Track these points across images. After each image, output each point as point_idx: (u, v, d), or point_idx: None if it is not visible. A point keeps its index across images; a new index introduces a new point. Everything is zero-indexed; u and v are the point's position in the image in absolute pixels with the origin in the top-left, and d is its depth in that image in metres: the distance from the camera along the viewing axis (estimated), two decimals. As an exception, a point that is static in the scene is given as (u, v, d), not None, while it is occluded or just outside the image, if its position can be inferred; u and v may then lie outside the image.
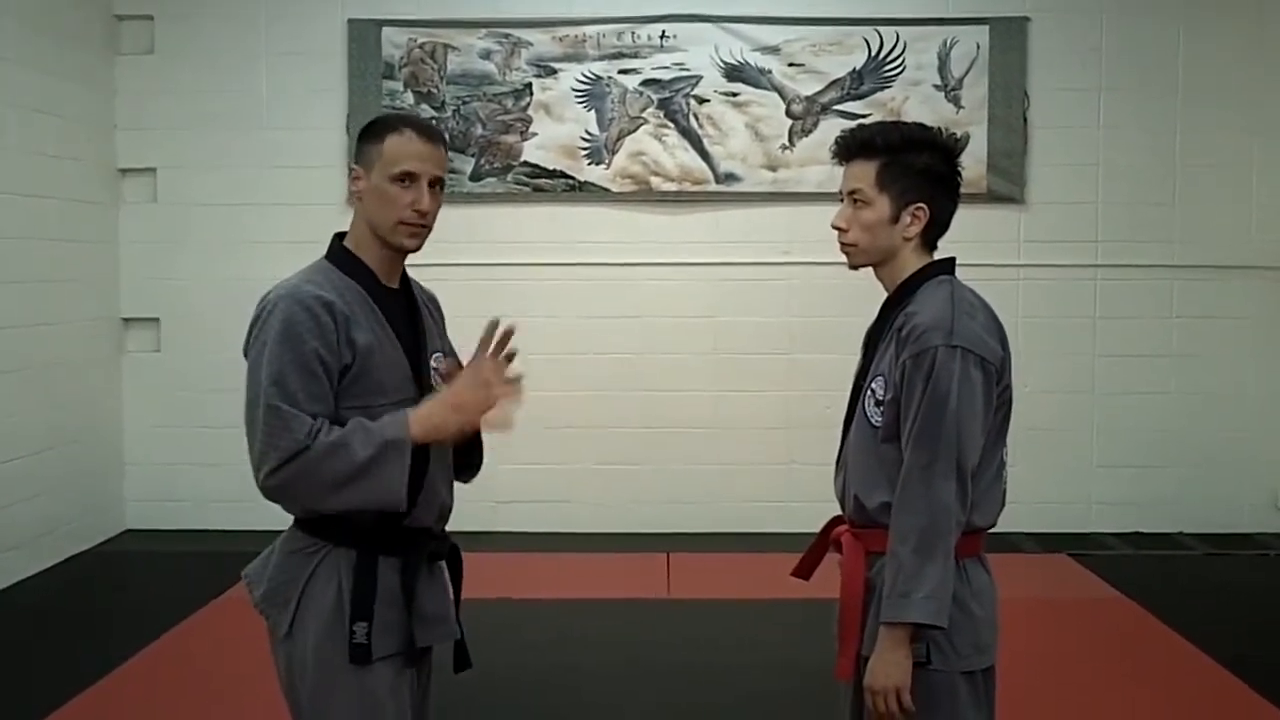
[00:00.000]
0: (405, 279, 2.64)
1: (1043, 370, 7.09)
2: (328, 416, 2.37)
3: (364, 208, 2.52)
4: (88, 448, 7.00)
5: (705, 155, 7.26)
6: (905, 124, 2.61)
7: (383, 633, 2.43)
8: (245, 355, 2.46)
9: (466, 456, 2.71)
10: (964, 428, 2.39)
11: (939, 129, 2.61)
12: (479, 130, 7.24)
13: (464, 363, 2.75)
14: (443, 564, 2.64)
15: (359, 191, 2.52)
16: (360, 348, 2.42)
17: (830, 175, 6.73)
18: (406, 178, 2.46)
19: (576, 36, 7.22)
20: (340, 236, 2.58)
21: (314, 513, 2.45)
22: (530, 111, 7.25)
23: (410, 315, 2.60)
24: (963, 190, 2.62)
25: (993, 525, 2.55)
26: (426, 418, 2.39)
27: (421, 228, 2.50)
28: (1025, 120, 7.23)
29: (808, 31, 7.22)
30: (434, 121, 7.10)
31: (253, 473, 2.37)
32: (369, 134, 2.52)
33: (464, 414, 2.43)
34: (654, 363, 7.37)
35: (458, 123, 7.23)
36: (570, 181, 7.27)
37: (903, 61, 7.22)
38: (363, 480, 2.33)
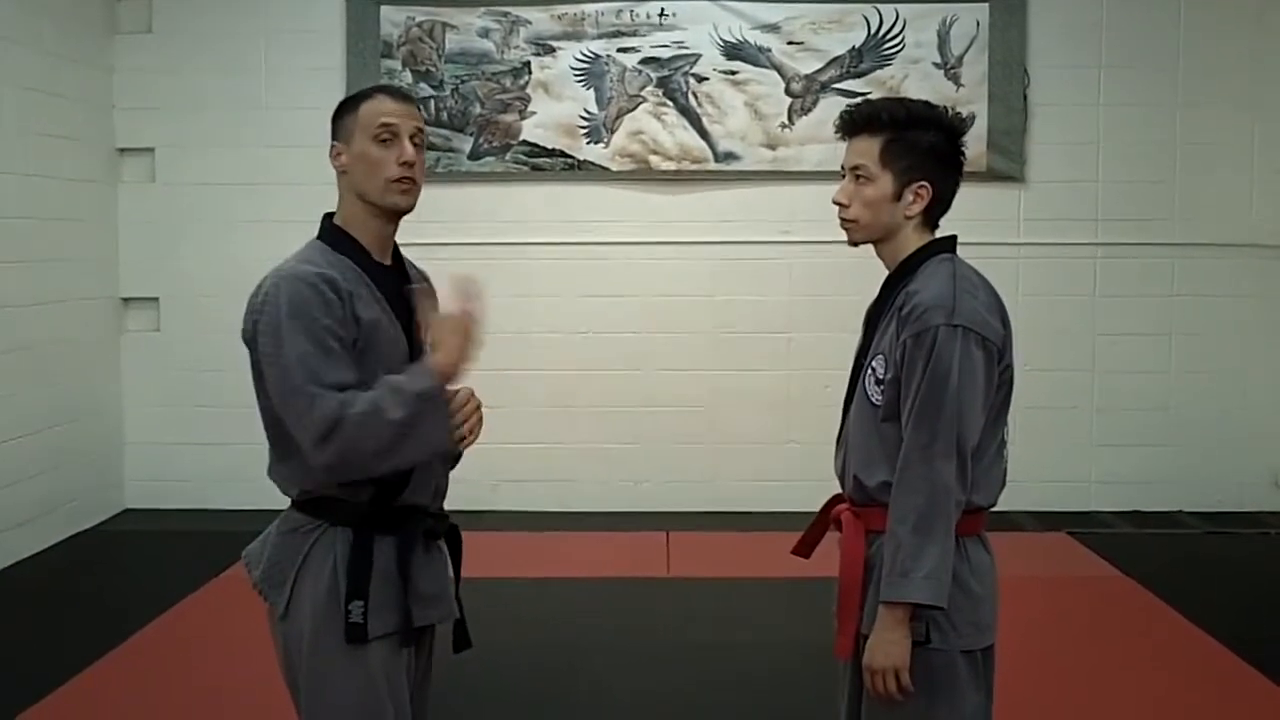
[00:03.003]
0: (398, 256, 2.62)
1: (1043, 349, 7.08)
2: (356, 385, 2.35)
3: (350, 180, 2.51)
4: (87, 427, 7.00)
5: (704, 134, 7.24)
6: (911, 101, 2.59)
7: (378, 612, 2.42)
8: (246, 341, 2.44)
9: None
10: (964, 407, 2.38)
11: (944, 107, 2.60)
12: (477, 109, 7.22)
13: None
14: (442, 544, 2.63)
15: (342, 166, 2.51)
16: (365, 324, 2.41)
17: (830, 154, 6.76)
18: (386, 132, 2.46)
19: (575, 15, 7.19)
20: (329, 217, 2.57)
21: (308, 494, 2.46)
22: (529, 90, 7.23)
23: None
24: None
25: (993, 504, 2.55)
26: (446, 369, 2.37)
27: (411, 183, 2.50)
28: (1025, 98, 7.20)
29: (807, 9, 7.19)
30: (432, 100, 7.12)
31: (307, 455, 2.35)
32: (343, 109, 2.53)
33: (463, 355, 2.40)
34: (653, 342, 7.36)
35: (456, 102, 7.21)
36: (569, 160, 7.25)
37: (902, 39, 7.19)
38: (406, 441, 2.31)
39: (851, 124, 2.58)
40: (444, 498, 2.65)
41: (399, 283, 2.58)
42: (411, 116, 2.50)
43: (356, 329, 2.40)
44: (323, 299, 2.36)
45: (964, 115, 2.78)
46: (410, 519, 2.50)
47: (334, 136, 2.54)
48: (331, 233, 2.53)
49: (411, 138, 2.48)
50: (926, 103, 2.59)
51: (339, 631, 2.40)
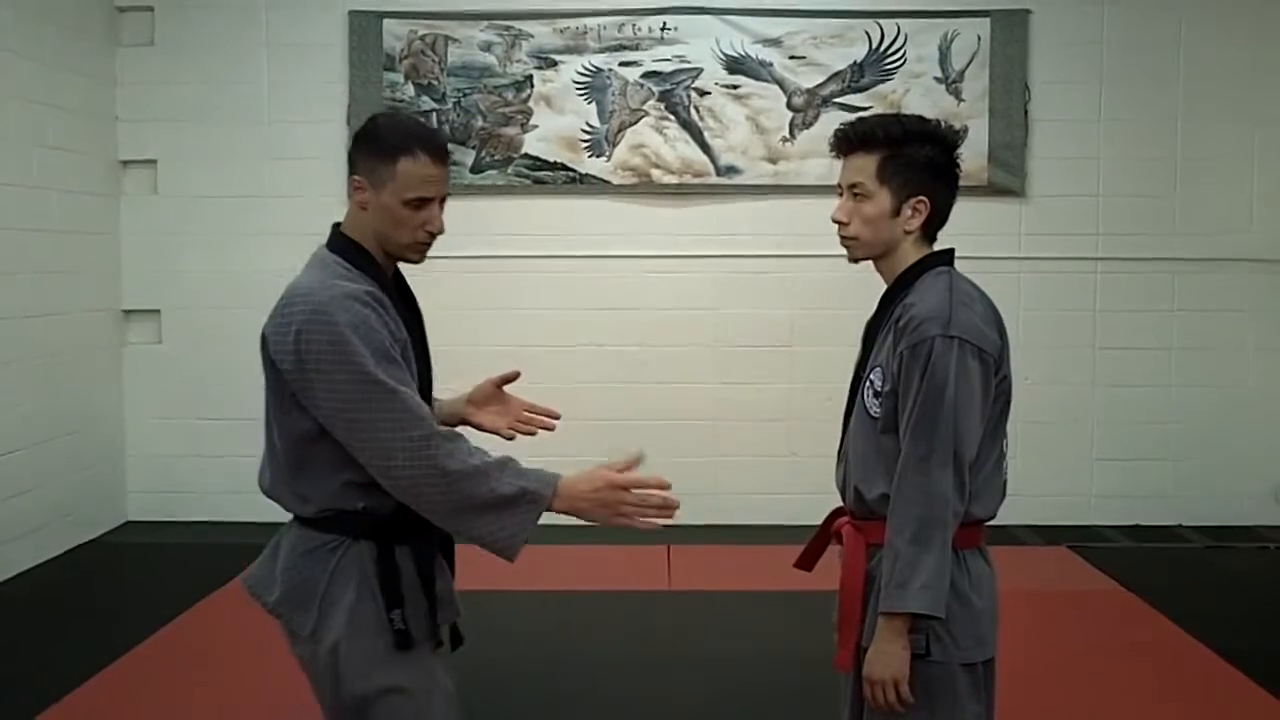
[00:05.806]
0: (398, 271, 2.60)
1: (1043, 362, 7.10)
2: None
3: (370, 218, 2.46)
4: (89, 439, 7.00)
5: (706, 148, 7.26)
6: (905, 116, 2.60)
7: (415, 618, 2.43)
8: (273, 358, 2.38)
9: None
10: (961, 418, 2.39)
11: (938, 121, 2.61)
12: (479, 122, 7.24)
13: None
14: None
15: (363, 202, 2.45)
16: (402, 341, 2.41)
17: (831, 168, 6.73)
18: (420, 203, 2.43)
19: (577, 29, 7.22)
20: (338, 225, 2.52)
21: (328, 511, 2.42)
22: (531, 104, 7.25)
23: (411, 308, 2.58)
24: (964, 183, 2.62)
25: (993, 517, 2.55)
26: (574, 495, 2.38)
27: (430, 245, 2.50)
28: (1026, 113, 7.22)
29: (809, 24, 7.21)
30: (434, 114, 7.13)
31: (380, 469, 2.32)
32: (377, 149, 2.44)
33: (605, 513, 2.42)
34: (655, 355, 7.37)
35: (458, 115, 7.23)
36: (571, 174, 7.27)
37: (904, 54, 7.21)
38: (490, 514, 2.31)
39: (847, 142, 2.59)
40: None
41: (406, 299, 2.57)
42: (445, 179, 2.47)
43: (400, 348, 2.39)
44: (376, 314, 2.35)
45: (957, 128, 2.78)
46: (426, 527, 2.46)
47: (356, 168, 2.46)
48: (351, 249, 2.48)
49: (441, 200, 2.47)
50: (920, 117, 2.61)
51: (382, 643, 2.40)
